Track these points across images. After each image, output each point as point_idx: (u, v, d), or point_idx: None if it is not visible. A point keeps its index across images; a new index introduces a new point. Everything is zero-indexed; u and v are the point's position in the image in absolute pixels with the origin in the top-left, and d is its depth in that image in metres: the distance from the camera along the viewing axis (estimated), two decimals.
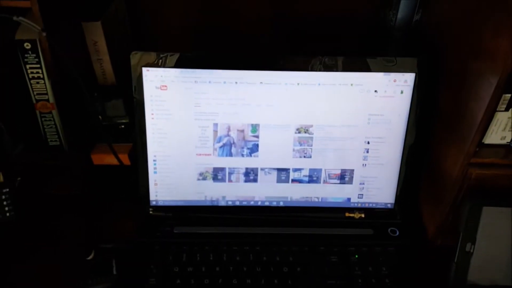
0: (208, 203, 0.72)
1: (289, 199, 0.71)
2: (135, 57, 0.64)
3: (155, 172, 0.70)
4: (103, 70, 0.76)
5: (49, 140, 0.71)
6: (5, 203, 0.59)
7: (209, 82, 0.65)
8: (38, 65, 0.63)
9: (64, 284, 0.61)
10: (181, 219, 0.71)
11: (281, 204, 0.72)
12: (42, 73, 0.64)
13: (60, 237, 0.67)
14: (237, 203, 0.72)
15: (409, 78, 0.65)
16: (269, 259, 0.65)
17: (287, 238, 0.68)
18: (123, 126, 0.77)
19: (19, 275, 0.63)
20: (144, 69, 0.64)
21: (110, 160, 0.77)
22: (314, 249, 0.66)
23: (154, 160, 0.69)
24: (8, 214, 0.59)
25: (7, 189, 0.59)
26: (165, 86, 0.65)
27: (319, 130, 0.67)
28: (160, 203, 0.72)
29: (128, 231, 0.70)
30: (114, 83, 0.78)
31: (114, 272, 0.62)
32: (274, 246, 0.67)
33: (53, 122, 0.69)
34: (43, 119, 0.68)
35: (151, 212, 0.71)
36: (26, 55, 0.62)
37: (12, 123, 0.66)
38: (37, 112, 0.68)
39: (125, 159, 0.77)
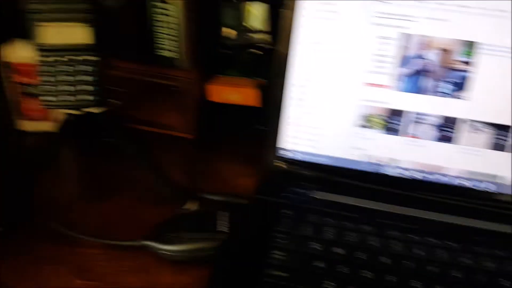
0: (366, 167, 0.46)
1: (505, 182, 0.43)
2: None
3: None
4: None
5: (160, 47, 0.52)
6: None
7: None
8: None
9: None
10: (321, 182, 0.46)
11: (492, 188, 0.43)
12: None
13: (158, 179, 0.47)
14: (415, 175, 0.45)
15: None
16: (448, 258, 0.37)
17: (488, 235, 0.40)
18: (261, 53, 0.56)
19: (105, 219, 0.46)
20: None
21: (233, 97, 0.56)
22: None
23: (295, 85, 0.46)
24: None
25: None
26: None
27: None
28: (293, 155, 0.48)
29: (244, 185, 0.48)
30: None
31: (218, 229, 0.40)
32: (459, 242, 0.39)
33: (171, 19, 0.50)
34: (157, 11, 0.50)
35: (277, 164, 0.48)
36: None
37: None
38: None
39: (251, 97, 0.56)
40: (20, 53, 0.51)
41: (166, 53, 0.53)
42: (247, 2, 0.54)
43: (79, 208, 0.46)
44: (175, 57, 0.53)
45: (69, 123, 0.41)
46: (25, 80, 0.52)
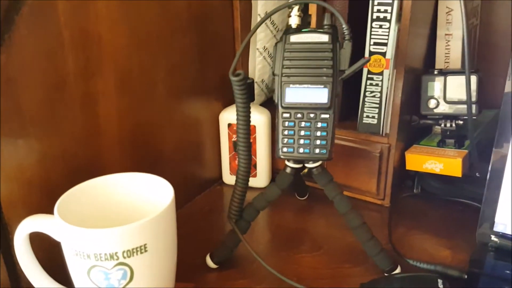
0: None
1: None
2: None
3: None
4: (448, 49, 0.58)
5: (364, 113, 0.55)
6: None
7: None
8: (389, 1, 0.49)
9: None
10: None
11: None
12: (391, 13, 0.50)
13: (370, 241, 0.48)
14: None
15: None
16: None
17: None
18: (461, 122, 0.56)
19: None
20: None
21: (433, 166, 0.56)
22: None
23: None
24: None
25: None
26: None
27: None
28: (509, 232, 0.45)
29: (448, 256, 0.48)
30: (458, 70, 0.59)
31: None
32: None
33: (379, 89, 0.53)
34: (368, 82, 0.54)
35: (494, 239, 0.46)
36: None
37: None
38: (365, 70, 0.53)
39: (452, 167, 0.55)
40: None
41: (369, 120, 0.55)
42: (449, 74, 0.55)
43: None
44: (375, 124, 0.55)
45: (290, 175, 0.44)
46: None
